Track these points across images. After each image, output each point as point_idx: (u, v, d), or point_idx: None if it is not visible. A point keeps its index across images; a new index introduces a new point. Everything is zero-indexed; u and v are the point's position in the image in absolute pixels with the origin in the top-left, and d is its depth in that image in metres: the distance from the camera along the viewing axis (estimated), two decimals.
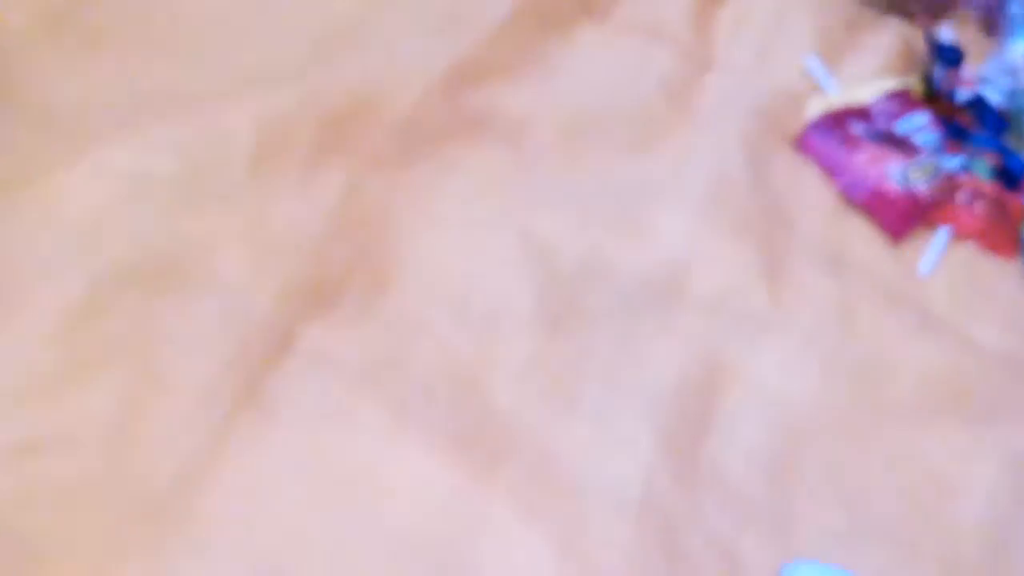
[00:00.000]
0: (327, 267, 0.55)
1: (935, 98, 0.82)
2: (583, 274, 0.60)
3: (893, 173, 0.72)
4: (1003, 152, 0.77)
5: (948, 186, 0.74)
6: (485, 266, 0.59)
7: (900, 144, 0.75)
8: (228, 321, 0.50)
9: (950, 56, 0.80)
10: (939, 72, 0.80)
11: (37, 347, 0.45)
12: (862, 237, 0.69)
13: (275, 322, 0.51)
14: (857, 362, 0.60)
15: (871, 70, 0.83)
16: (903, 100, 0.79)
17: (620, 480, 0.50)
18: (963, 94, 0.82)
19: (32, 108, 0.58)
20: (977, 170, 0.75)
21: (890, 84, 0.80)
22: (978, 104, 0.82)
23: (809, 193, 0.71)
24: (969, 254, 0.71)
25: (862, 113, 0.77)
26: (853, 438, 0.56)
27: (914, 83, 0.83)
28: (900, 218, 0.71)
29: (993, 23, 0.91)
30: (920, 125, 0.77)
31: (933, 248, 0.70)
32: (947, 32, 0.87)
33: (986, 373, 0.62)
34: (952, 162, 0.74)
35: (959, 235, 0.72)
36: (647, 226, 0.64)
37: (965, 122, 0.81)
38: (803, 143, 0.75)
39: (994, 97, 0.83)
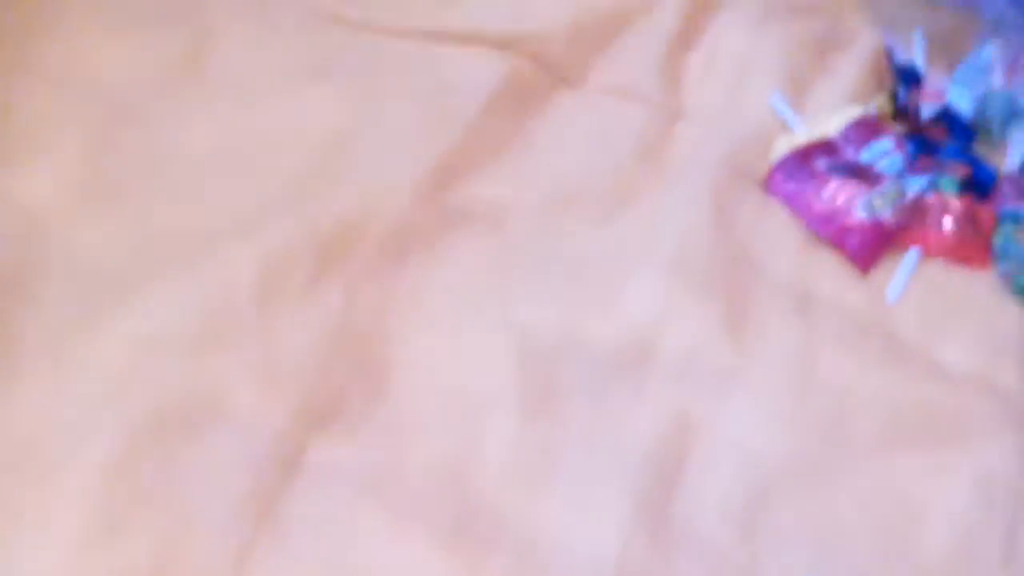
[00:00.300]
0: (329, 384, 0.62)
1: (902, 118, 0.85)
2: (559, 351, 0.66)
3: (858, 204, 0.76)
4: (971, 163, 0.80)
5: (914, 209, 0.77)
6: (471, 360, 0.65)
7: (865, 173, 0.78)
8: (243, 453, 0.57)
9: (908, 76, 0.83)
10: (902, 92, 0.83)
11: (76, 503, 0.53)
12: (830, 272, 0.73)
13: (284, 446, 0.58)
14: (825, 403, 0.64)
15: (841, 95, 0.86)
16: (867, 127, 0.82)
17: (598, 546, 0.56)
18: (930, 108, 0.84)
19: (61, 271, 0.66)
20: (945, 187, 0.78)
21: (855, 111, 0.83)
22: (945, 116, 0.84)
23: (777, 235, 0.75)
24: (939, 272, 0.74)
25: (827, 147, 0.81)
26: (823, 481, 0.61)
27: (883, 103, 0.86)
28: (866, 249, 0.74)
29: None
30: (885, 150, 0.80)
31: (900, 273, 0.74)
32: (918, 42, 0.89)
33: (954, 395, 0.66)
34: (916, 184, 0.77)
35: (929, 254, 0.75)
36: (618, 294, 0.69)
37: (936, 136, 0.84)
38: (770, 184, 0.79)
39: (963, 104, 0.85)
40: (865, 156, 0.80)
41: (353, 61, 0.87)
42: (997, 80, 0.85)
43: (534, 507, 0.58)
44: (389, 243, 0.71)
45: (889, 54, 0.86)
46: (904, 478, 0.61)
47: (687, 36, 0.92)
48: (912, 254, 0.75)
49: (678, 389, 0.64)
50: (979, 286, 0.74)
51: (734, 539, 0.58)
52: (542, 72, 0.87)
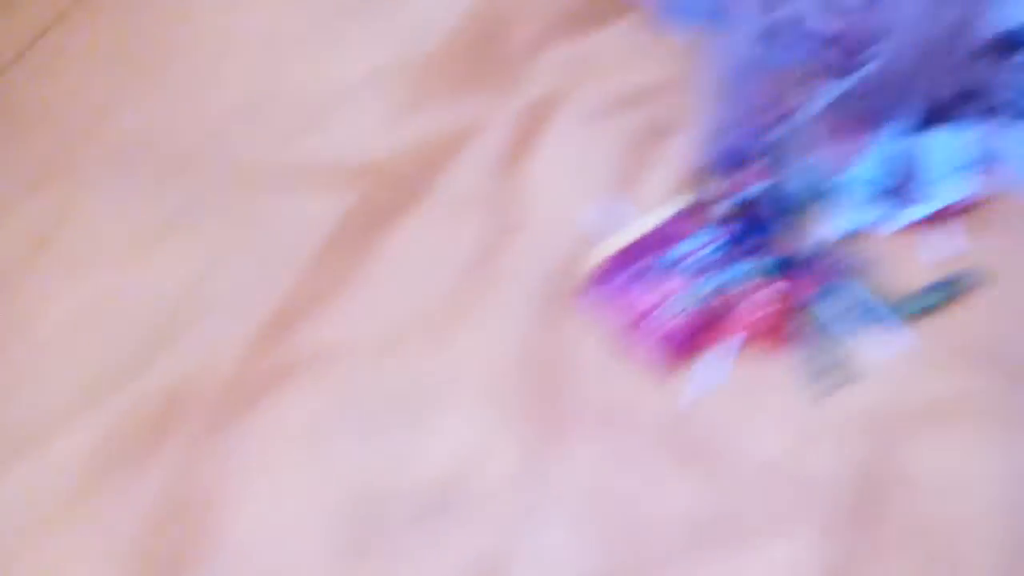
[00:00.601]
0: (161, 556, 0.66)
1: (726, 203, 0.88)
2: (380, 495, 0.70)
3: (670, 304, 0.79)
4: (782, 243, 0.83)
5: (726, 300, 0.80)
6: (295, 516, 0.69)
7: (683, 267, 0.81)
8: None
9: (723, 164, 0.86)
10: (719, 180, 0.86)
11: None
12: (639, 379, 0.76)
13: None
14: (629, 521, 0.67)
15: (673, 184, 0.89)
16: (684, 221, 0.85)
17: None
18: (755, 189, 0.87)
19: None
20: (759, 273, 0.81)
21: (680, 202, 0.86)
22: (766, 196, 0.87)
23: (592, 345, 0.79)
24: (746, 361, 0.77)
25: (645, 245, 0.84)
26: None
27: (700, 190, 0.89)
28: (675, 349, 0.77)
29: None
30: (699, 244, 0.83)
31: (710, 367, 0.77)
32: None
33: (757, 491, 0.69)
34: (729, 275, 0.80)
35: (747, 342, 0.78)
36: (435, 428, 0.73)
37: (758, 217, 0.87)
38: (587, 292, 0.82)
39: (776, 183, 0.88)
40: (684, 249, 0.83)
41: (201, 214, 0.91)
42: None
43: None
44: (218, 406, 0.75)
45: (703, 141, 0.89)
46: None
47: (524, 144, 0.95)
48: (722, 347, 0.77)
49: (491, 521, 0.68)
50: (784, 372, 0.76)
51: None
52: (385, 196, 0.91)
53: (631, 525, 0.67)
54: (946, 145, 0.85)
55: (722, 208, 0.88)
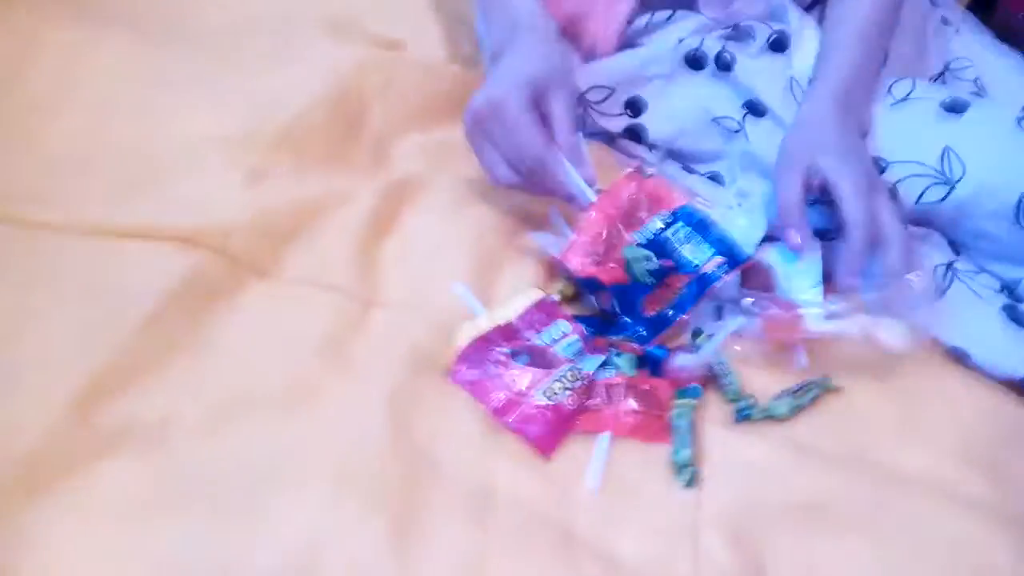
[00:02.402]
0: None
1: (582, 301, 0.87)
2: None
3: (538, 390, 0.76)
4: (640, 341, 0.82)
5: (593, 389, 0.78)
6: None
7: (544, 357, 0.79)
8: None
9: (592, 285, 0.86)
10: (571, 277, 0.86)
11: None
12: (510, 463, 0.72)
13: None
14: None
15: (528, 278, 0.88)
16: (545, 310, 0.83)
17: None
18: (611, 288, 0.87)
19: None
20: (621, 366, 0.80)
21: (534, 295, 0.84)
22: (619, 293, 0.87)
23: (457, 428, 0.74)
24: (618, 454, 0.75)
25: (508, 331, 0.81)
26: None
27: (564, 286, 0.88)
28: (547, 434, 0.74)
29: None
30: (562, 333, 0.81)
31: (595, 460, 0.73)
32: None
33: None
34: (592, 363, 0.79)
35: (617, 435, 0.76)
36: (278, 514, 0.65)
37: (611, 315, 0.86)
38: (453, 374, 0.78)
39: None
40: (543, 339, 0.81)
41: (17, 261, 0.81)
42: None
43: None
44: (25, 476, 0.64)
45: (563, 266, 0.88)
46: None
47: (381, 224, 0.92)
48: (603, 439, 0.75)
49: None
50: (659, 466, 0.74)
51: None
52: (227, 266, 0.84)
53: None
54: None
55: (575, 304, 0.88)
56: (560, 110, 0.86)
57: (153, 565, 0.61)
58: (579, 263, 0.85)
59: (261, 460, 0.69)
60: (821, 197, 0.88)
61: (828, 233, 0.89)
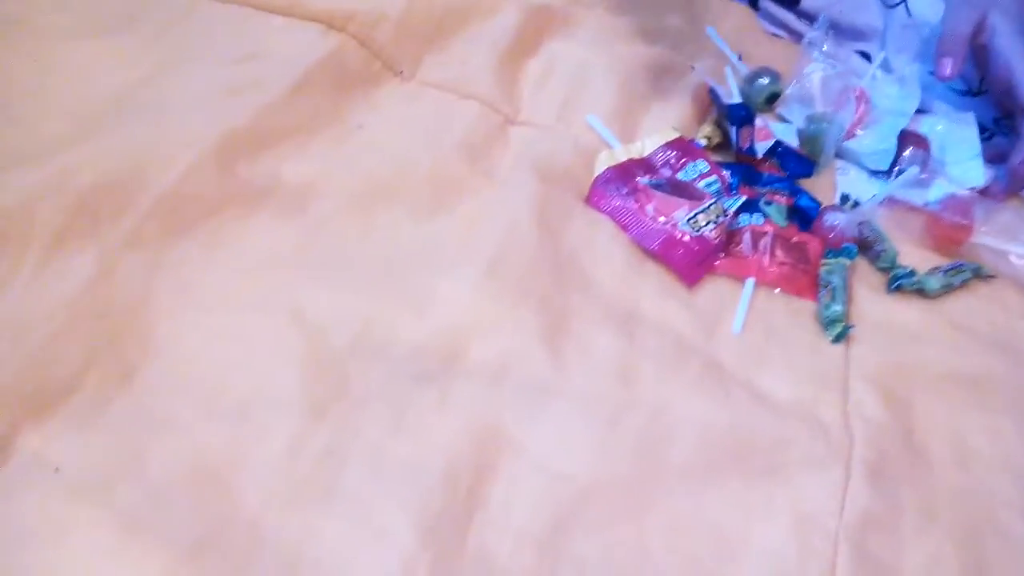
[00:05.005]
0: (58, 364, 0.51)
1: (730, 151, 0.82)
2: (356, 352, 0.58)
3: (682, 220, 0.72)
4: (794, 193, 0.78)
5: (741, 233, 0.74)
6: (246, 352, 0.56)
7: (687, 191, 0.75)
8: None
9: (738, 115, 0.81)
10: (733, 131, 0.81)
11: None
12: (654, 291, 0.68)
13: None
14: (640, 424, 0.58)
15: (668, 120, 0.83)
16: (683, 149, 0.79)
17: (375, 571, 0.47)
18: (763, 147, 0.82)
19: None
20: (772, 215, 0.76)
21: (671, 134, 0.80)
22: (776, 150, 0.82)
23: (601, 249, 0.70)
24: (765, 301, 0.71)
25: (645, 164, 0.77)
26: (632, 508, 0.54)
27: (710, 132, 0.83)
28: (692, 264, 0.70)
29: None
30: (700, 173, 0.77)
31: (741, 303, 0.70)
32: (762, 80, 0.88)
33: (775, 426, 0.61)
34: (734, 203, 0.74)
35: (761, 283, 0.72)
36: (427, 295, 0.62)
37: (770, 171, 0.82)
38: (592, 198, 0.74)
39: (791, 138, 0.84)
40: (685, 175, 0.77)
41: (161, 16, 0.77)
42: (819, 108, 0.84)
43: (303, 524, 0.49)
44: (165, 210, 0.60)
45: (713, 92, 0.84)
46: (718, 510, 0.56)
47: (527, 44, 0.87)
48: (749, 283, 0.71)
49: (485, 401, 0.57)
50: (806, 318, 0.70)
51: (534, 570, 0.50)
52: (368, 57, 0.80)
53: (645, 432, 0.58)
54: (957, 131, 0.83)
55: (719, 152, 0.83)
56: None
57: (290, 316, 0.58)
58: None
59: (407, 243, 0.66)
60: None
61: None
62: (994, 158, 0.84)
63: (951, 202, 0.79)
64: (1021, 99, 0.79)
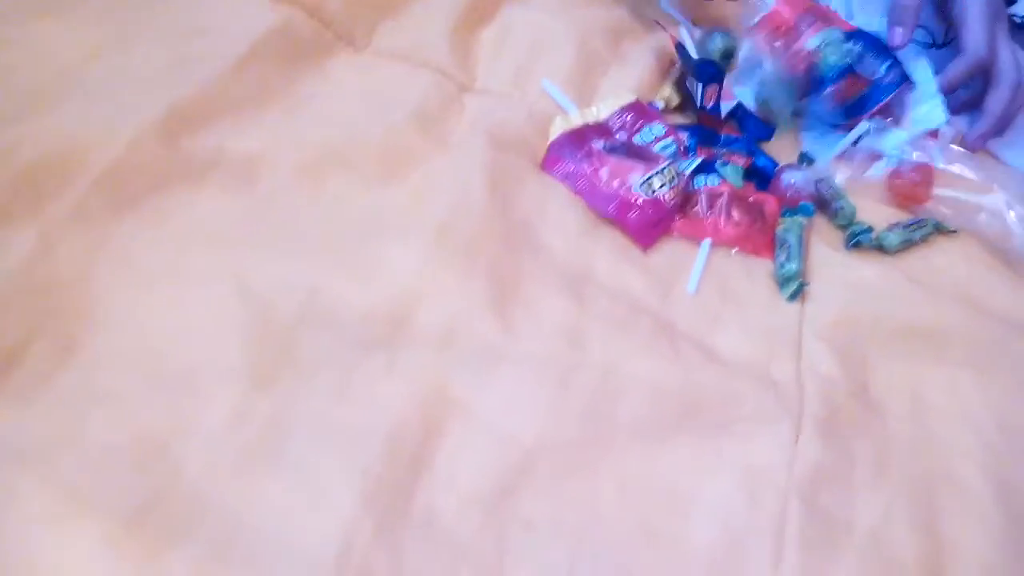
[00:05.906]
0: (2, 337, 0.51)
1: (691, 111, 0.82)
2: (302, 321, 0.57)
3: (636, 183, 0.71)
4: (752, 153, 0.78)
5: (696, 193, 0.74)
6: (190, 323, 0.55)
7: (642, 154, 0.74)
8: None
9: (707, 71, 0.80)
10: (699, 88, 0.80)
11: None
12: (606, 254, 0.68)
13: None
14: (589, 384, 0.58)
15: (627, 84, 0.83)
16: (639, 112, 0.79)
17: (316, 539, 0.47)
18: (726, 107, 0.82)
19: None
20: (728, 175, 0.76)
21: (627, 98, 0.80)
22: (737, 112, 0.82)
23: (554, 214, 0.70)
24: (720, 261, 0.71)
25: (601, 129, 0.77)
26: (582, 467, 0.54)
27: (669, 94, 0.83)
28: (646, 226, 0.70)
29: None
30: (655, 136, 0.77)
31: (697, 264, 0.70)
32: (716, 39, 0.87)
33: (726, 383, 0.61)
34: (689, 165, 0.74)
35: (718, 243, 0.72)
36: (375, 262, 0.61)
37: (728, 132, 0.81)
38: (547, 163, 0.74)
39: (748, 99, 0.83)
40: (640, 139, 0.76)
41: None
42: (768, 68, 0.84)
43: (245, 491, 0.49)
44: (106, 186, 0.60)
45: (681, 48, 0.83)
46: (668, 468, 0.56)
47: (483, 10, 0.86)
48: (705, 244, 0.71)
49: (434, 366, 0.57)
50: (762, 277, 0.70)
51: (480, 532, 0.50)
52: (319, 27, 0.79)
53: (594, 393, 0.58)
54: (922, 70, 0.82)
55: (684, 117, 0.83)
56: None
57: (235, 286, 0.57)
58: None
59: (356, 212, 0.65)
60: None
61: None
62: (962, 108, 0.84)
63: (911, 164, 0.79)
64: (961, 38, 0.79)
